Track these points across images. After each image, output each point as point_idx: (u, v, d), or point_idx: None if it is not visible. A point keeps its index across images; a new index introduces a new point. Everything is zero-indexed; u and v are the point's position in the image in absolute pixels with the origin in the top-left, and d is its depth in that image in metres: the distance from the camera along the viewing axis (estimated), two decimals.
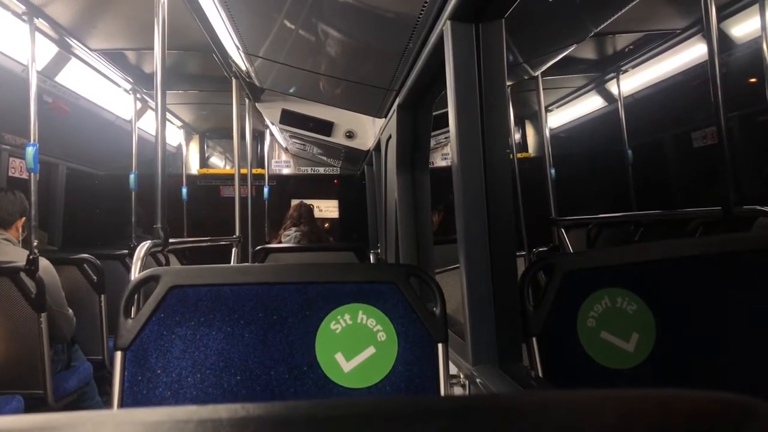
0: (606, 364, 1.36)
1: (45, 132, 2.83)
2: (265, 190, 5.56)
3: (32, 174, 2.68)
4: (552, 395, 0.37)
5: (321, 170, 6.73)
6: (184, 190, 5.92)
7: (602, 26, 2.43)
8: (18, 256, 2.64)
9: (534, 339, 1.38)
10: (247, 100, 4.33)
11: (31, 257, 2.55)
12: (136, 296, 1.44)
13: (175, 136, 6.06)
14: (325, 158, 6.25)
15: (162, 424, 0.29)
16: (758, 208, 2.22)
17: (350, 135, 4.61)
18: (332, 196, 7.23)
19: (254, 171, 5.17)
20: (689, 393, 0.32)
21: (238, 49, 2.56)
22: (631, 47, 3.80)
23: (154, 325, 1.35)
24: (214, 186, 6.86)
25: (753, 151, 3.80)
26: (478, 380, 1.34)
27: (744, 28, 3.15)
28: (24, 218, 2.87)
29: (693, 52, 3.55)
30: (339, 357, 1.36)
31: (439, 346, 1.37)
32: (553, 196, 3.91)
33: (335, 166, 6.67)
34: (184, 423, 0.29)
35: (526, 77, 3.26)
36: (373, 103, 2.86)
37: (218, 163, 6.82)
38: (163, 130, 2.24)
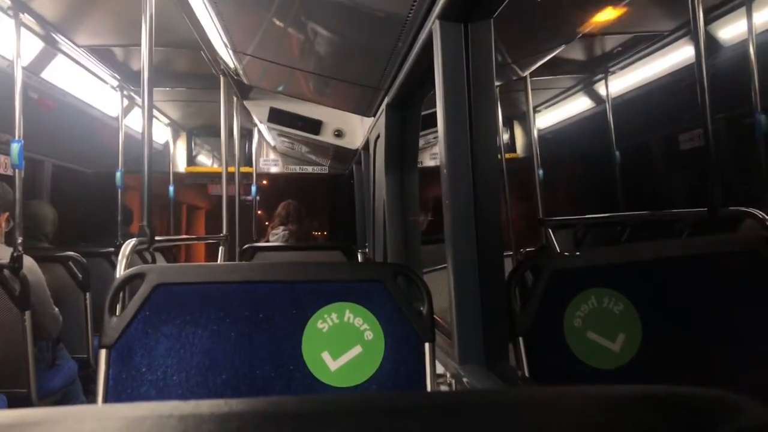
0: (592, 363, 1.36)
1: (31, 129, 2.81)
2: (253, 188, 5.54)
3: (17, 170, 2.65)
4: (539, 391, 0.37)
5: (309, 169, 6.71)
6: (171, 188, 5.89)
7: (590, 27, 2.44)
8: (1, 254, 2.61)
9: (521, 338, 1.38)
10: (235, 98, 4.30)
11: (15, 254, 2.52)
12: (121, 294, 1.42)
13: (162, 133, 6.02)
14: (313, 157, 6.24)
15: (144, 419, 0.29)
16: (743, 209, 2.24)
17: (339, 134, 4.60)
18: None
19: (242, 169, 5.15)
20: (673, 389, 0.32)
21: (226, 46, 2.54)
22: (619, 49, 3.82)
23: (139, 323, 1.34)
24: (201, 184, 6.81)
25: (739, 154, 3.83)
26: (464, 379, 1.34)
27: (731, 30, 3.17)
28: (7, 213, 2.82)
29: (680, 54, 3.57)
30: (326, 356, 1.35)
31: (426, 345, 1.37)
32: (540, 196, 3.93)
33: (324, 165, 6.65)
34: (167, 418, 0.28)
35: (514, 78, 3.27)
36: (362, 102, 2.85)
37: (206, 161, 6.78)
38: (150, 127, 2.22)
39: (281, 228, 5.11)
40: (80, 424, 0.28)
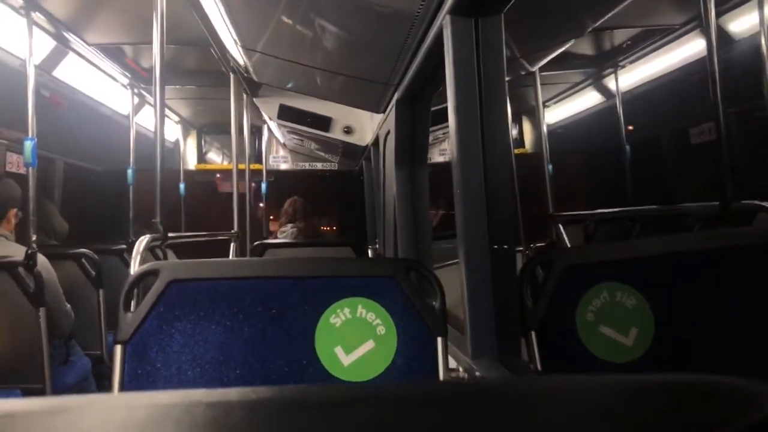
0: (605, 357, 1.36)
1: (42, 127, 2.82)
2: (263, 185, 5.55)
3: (31, 168, 2.67)
4: (552, 380, 0.37)
5: (319, 166, 6.71)
6: (182, 186, 5.91)
7: (600, 21, 2.43)
8: (14, 251, 2.62)
9: (533, 333, 1.38)
10: (244, 95, 4.32)
11: (29, 252, 2.54)
12: (135, 290, 1.43)
13: (172, 131, 6.05)
14: (323, 154, 6.24)
15: (174, 406, 0.29)
16: (756, 203, 2.23)
17: (348, 130, 4.60)
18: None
19: (252, 166, 5.16)
20: (693, 377, 0.33)
21: (236, 43, 2.55)
22: (629, 42, 3.80)
23: (153, 320, 1.35)
24: (211, 181, 6.84)
25: (751, 147, 3.80)
26: (477, 374, 1.34)
27: (742, 23, 3.15)
28: (15, 209, 2.82)
29: (691, 48, 3.55)
30: (338, 351, 1.36)
31: (439, 339, 1.37)
32: (550, 191, 3.92)
33: (333, 162, 6.66)
34: (195, 405, 0.29)
35: (523, 73, 3.26)
36: (372, 98, 2.85)
37: (216, 158, 6.80)
38: (162, 125, 2.23)
39: (289, 225, 5.13)
40: (110, 412, 0.29)
